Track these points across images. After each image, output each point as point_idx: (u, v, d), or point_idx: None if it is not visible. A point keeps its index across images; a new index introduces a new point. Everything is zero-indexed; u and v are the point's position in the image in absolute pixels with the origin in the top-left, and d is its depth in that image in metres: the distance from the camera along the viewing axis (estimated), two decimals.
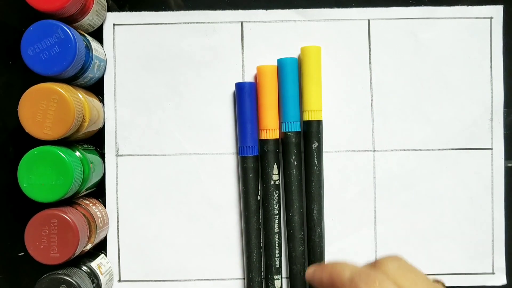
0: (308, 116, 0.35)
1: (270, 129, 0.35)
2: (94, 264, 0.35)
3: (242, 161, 0.36)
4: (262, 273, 0.36)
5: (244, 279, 0.37)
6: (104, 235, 0.37)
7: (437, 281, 0.29)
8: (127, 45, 0.37)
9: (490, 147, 0.37)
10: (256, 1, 0.37)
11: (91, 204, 0.35)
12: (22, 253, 0.37)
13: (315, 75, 0.35)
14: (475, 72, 0.37)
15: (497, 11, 0.37)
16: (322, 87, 0.37)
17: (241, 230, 0.37)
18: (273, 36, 0.37)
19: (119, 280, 0.37)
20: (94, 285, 0.34)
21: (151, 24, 0.37)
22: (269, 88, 0.36)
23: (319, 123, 0.35)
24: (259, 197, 0.36)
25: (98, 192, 0.37)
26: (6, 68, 0.36)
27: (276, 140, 0.36)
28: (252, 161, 0.36)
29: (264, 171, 0.36)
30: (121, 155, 0.37)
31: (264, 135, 0.36)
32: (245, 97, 0.36)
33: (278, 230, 0.36)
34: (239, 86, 0.36)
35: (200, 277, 0.37)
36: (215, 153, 0.37)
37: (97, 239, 0.35)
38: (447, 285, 0.37)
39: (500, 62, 0.37)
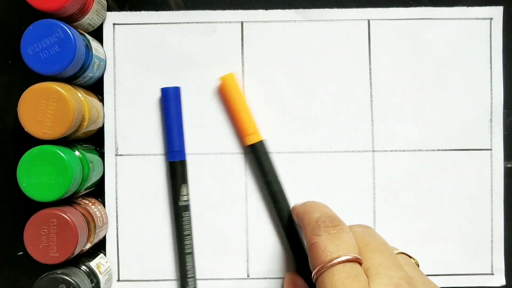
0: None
1: (252, 133, 0.36)
2: (93, 263, 0.35)
3: (171, 166, 0.36)
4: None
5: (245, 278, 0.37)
6: (103, 235, 0.37)
7: (403, 253, 0.29)
8: (127, 44, 0.37)
9: (489, 148, 0.37)
10: (256, 1, 0.37)
11: (90, 204, 0.35)
12: (21, 253, 0.37)
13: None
14: (474, 72, 0.37)
15: (497, 12, 0.37)
16: (322, 87, 0.37)
17: (241, 230, 0.37)
18: (273, 36, 0.37)
19: (118, 280, 0.37)
20: (93, 284, 0.34)
21: (151, 23, 0.37)
22: (236, 94, 0.36)
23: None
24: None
25: (98, 191, 0.37)
26: (6, 67, 0.36)
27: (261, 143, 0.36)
28: (180, 166, 0.36)
29: (263, 171, 0.36)
30: (120, 155, 0.37)
31: (249, 141, 0.36)
32: (171, 102, 0.36)
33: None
34: (165, 92, 0.36)
35: (200, 277, 0.37)
36: (214, 153, 0.37)
37: (96, 239, 0.35)
38: (446, 285, 0.37)
39: (500, 63, 0.37)
